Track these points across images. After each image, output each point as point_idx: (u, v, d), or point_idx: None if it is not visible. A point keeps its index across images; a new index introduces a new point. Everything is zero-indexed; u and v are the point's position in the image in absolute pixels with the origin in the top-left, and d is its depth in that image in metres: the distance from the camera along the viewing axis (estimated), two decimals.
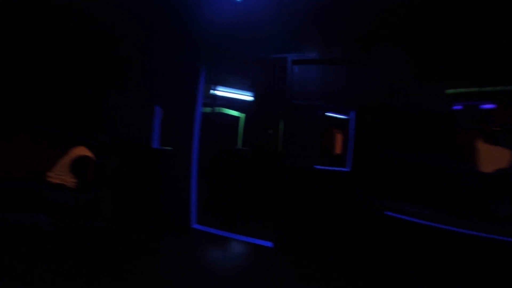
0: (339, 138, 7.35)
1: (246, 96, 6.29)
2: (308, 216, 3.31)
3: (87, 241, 2.84)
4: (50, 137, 3.32)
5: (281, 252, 3.06)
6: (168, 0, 2.69)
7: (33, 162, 3.00)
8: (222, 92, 5.86)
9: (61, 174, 2.87)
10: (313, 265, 2.76)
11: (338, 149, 7.24)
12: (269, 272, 2.61)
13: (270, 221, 3.58)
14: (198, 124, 3.74)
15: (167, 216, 3.71)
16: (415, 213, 3.21)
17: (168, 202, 3.77)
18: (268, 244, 3.23)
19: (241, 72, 5.02)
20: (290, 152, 3.34)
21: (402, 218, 3.14)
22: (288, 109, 3.40)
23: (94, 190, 3.07)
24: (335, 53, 3.33)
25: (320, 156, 3.69)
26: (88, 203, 2.98)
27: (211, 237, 3.39)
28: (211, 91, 5.82)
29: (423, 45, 3.12)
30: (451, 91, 4.01)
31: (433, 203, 3.43)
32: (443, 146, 3.68)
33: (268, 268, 2.69)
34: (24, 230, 2.76)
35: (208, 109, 6.46)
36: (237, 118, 6.63)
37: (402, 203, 3.39)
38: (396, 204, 3.32)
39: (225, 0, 2.53)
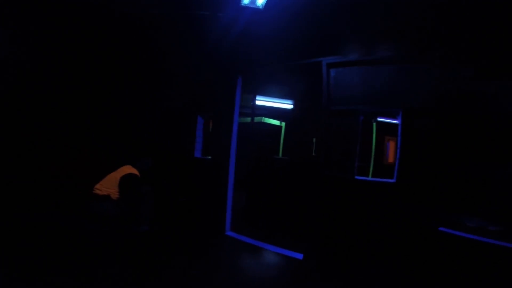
0: (390, 146, 6.67)
1: (286, 105, 6.24)
2: (345, 229, 3.03)
3: (129, 243, 3.07)
4: (104, 155, 3.79)
5: (310, 265, 2.86)
6: (201, 14, 2.83)
7: (86, 174, 3.43)
8: (262, 101, 5.91)
9: (108, 188, 3.09)
10: (341, 281, 2.50)
11: (389, 158, 6.58)
12: (294, 285, 2.47)
13: (302, 233, 3.41)
14: (235, 133, 3.81)
15: (204, 223, 3.82)
16: (479, 228, 2.68)
17: (206, 209, 3.89)
18: (299, 256, 3.07)
19: (278, 80, 5.00)
20: (329, 161, 3.13)
21: (460, 235, 2.64)
22: (326, 116, 3.21)
23: (136, 201, 3.28)
24: (376, 53, 3.06)
25: (364, 166, 3.39)
26: (132, 211, 3.21)
27: (242, 245, 3.36)
28: (252, 101, 5.93)
29: (487, 31, 2.65)
30: None
31: (503, 216, 2.84)
32: None
33: (293, 281, 2.55)
34: (71, 234, 3.14)
35: (248, 119, 6.59)
36: (278, 127, 6.59)
37: (463, 217, 2.88)
38: (456, 218, 2.83)
39: (252, 9, 2.56)
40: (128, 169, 3.26)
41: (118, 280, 2.31)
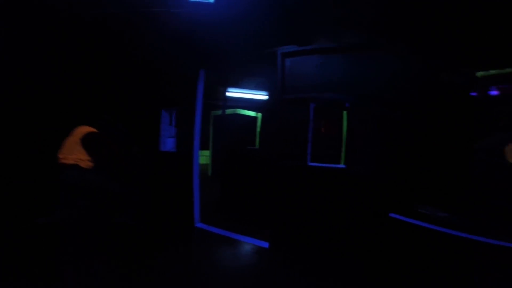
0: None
1: (261, 96, 6.27)
2: (304, 216, 3.12)
3: (97, 234, 3.07)
4: None
5: (275, 253, 2.96)
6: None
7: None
8: (238, 93, 5.94)
9: (72, 154, 2.73)
10: (304, 268, 2.61)
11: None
12: (259, 273, 2.56)
13: (267, 221, 3.51)
14: (199, 125, 3.84)
15: (174, 216, 3.88)
16: (429, 215, 2.79)
17: (174, 203, 3.94)
18: (265, 244, 3.17)
19: (252, 72, 5.01)
20: (284, 150, 3.20)
21: (409, 221, 2.75)
22: (279, 105, 3.26)
23: (121, 163, 3.00)
24: (330, 42, 3.09)
25: (336, 154, 3.44)
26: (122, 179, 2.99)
27: (211, 236, 3.43)
28: (226, 93, 5.94)
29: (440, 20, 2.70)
30: (481, 73, 3.44)
31: (451, 204, 2.96)
32: (469, 136, 3.18)
33: (258, 269, 2.64)
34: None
35: (220, 111, 6.62)
36: (254, 118, 6.64)
37: (414, 204, 2.99)
38: (407, 205, 2.94)
39: (204, 3, 2.55)
40: (85, 129, 2.87)
41: (80, 274, 2.35)
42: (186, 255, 2.87)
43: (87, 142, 2.76)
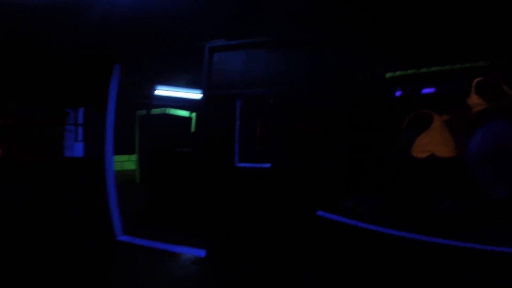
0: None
1: (194, 95, 5.90)
2: (235, 219, 2.93)
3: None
4: None
5: (212, 261, 2.77)
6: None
7: None
8: (166, 91, 5.43)
9: None
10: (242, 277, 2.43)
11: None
12: (197, 283, 2.28)
13: (202, 228, 3.24)
14: (111, 127, 3.29)
15: (92, 229, 3.26)
16: (351, 208, 2.89)
17: (90, 215, 3.32)
18: (201, 253, 2.87)
19: (183, 68, 4.62)
20: (212, 151, 2.95)
21: (336, 219, 2.80)
22: (205, 102, 3.02)
23: None
24: (257, 36, 2.98)
25: (247, 152, 3.35)
26: None
27: (138, 249, 3.00)
28: (154, 91, 5.39)
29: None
30: (389, 74, 3.74)
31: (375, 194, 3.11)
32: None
33: (196, 279, 2.36)
34: None
35: (158, 110, 6.04)
36: (187, 118, 6.22)
37: (340, 199, 3.05)
38: (333, 201, 2.98)
39: None
40: None
41: None
42: (105, 273, 2.40)
43: None
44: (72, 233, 3.24)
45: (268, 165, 2.86)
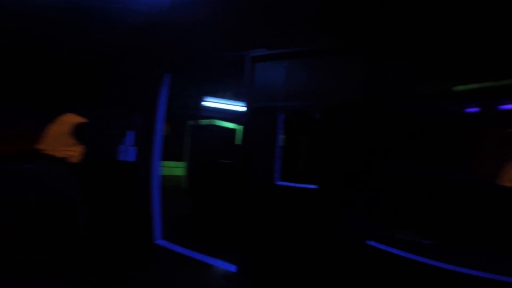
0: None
1: (240, 107, 6.02)
2: (273, 240, 2.77)
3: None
4: None
5: (242, 278, 2.63)
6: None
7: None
8: (213, 103, 5.66)
9: (59, 146, 2.62)
10: None
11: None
12: None
13: (236, 242, 3.16)
14: (159, 135, 3.50)
15: (132, 231, 3.46)
16: (410, 242, 2.49)
17: (132, 217, 3.53)
18: (232, 268, 2.78)
19: (220, 79, 4.76)
20: (252, 165, 2.88)
21: (388, 250, 2.43)
22: (247, 114, 2.98)
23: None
24: (303, 45, 2.87)
25: (288, 170, 3.18)
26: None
27: (172, 255, 3.05)
28: (203, 102, 5.67)
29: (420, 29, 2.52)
30: (461, 88, 3.25)
31: (436, 230, 2.66)
32: (454, 157, 2.92)
33: None
34: None
35: (203, 121, 6.33)
36: (232, 130, 6.36)
37: (394, 229, 2.67)
38: (386, 231, 2.62)
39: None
40: (75, 117, 2.79)
41: None
42: (135, 274, 2.49)
43: (78, 131, 2.72)
44: (114, 232, 3.48)
45: (313, 186, 2.64)
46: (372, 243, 2.65)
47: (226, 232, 3.86)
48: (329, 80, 2.73)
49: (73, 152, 2.69)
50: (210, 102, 5.61)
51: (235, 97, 5.59)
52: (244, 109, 3.04)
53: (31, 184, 2.74)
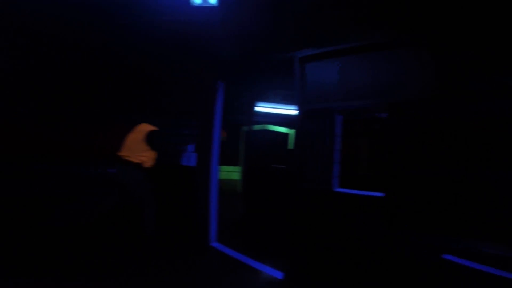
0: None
1: (292, 111, 5.93)
2: (326, 250, 2.62)
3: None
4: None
5: (289, 286, 2.52)
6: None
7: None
8: (264, 108, 5.71)
9: (135, 152, 2.90)
10: None
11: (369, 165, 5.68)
12: None
13: (286, 249, 3.08)
14: (216, 140, 3.67)
15: (189, 232, 3.70)
16: (494, 256, 2.07)
17: (190, 219, 3.78)
18: (279, 275, 2.73)
19: (269, 83, 4.75)
20: (305, 170, 2.79)
21: (471, 265, 2.06)
22: (300, 118, 2.90)
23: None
24: (355, 41, 2.67)
25: (346, 175, 2.94)
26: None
27: (222, 257, 3.15)
28: (255, 108, 5.78)
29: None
30: None
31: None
32: None
33: None
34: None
35: (255, 126, 6.43)
36: (284, 134, 6.29)
37: (474, 241, 2.28)
38: (464, 243, 2.26)
39: (209, 8, 2.42)
40: (148, 126, 3.09)
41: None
42: (189, 274, 2.64)
43: (150, 137, 3.00)
44: (175, 232, 3.74)
45: (378, 193, 2.40)
46: (450, 257, 2.26)
47: (277, 238, 3.83)
48: (393, 75, 2.46)
49: (146, 157, 2.98)
50: (263, 107, 5.68)
51: (287, 100, 5.54)
52: (296, 112, 2.98)
53: (112, 186, 3.11)
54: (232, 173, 7.90)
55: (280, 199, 4.25)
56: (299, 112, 2.89)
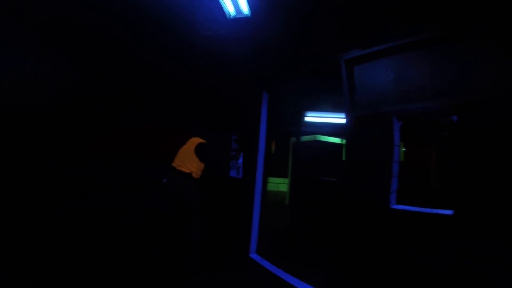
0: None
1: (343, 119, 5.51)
2: (378, 274, 2.26)
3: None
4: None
5: None
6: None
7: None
8: (314, 117, 5.45)
9: (186, 163, 3.10)
10: None
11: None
12: None
13: (329, 269, 2.78)
14: (262, 151, 3.62)
15: (230, 241, 3.68)
16: None
17: (233, 229, 3.77)
18: None
19: (327, 92, 4.51)
20: (358, 183, 2.51)
21: None
22: (350, 125, 2.63)
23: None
24: (410, 35, 2.32)
25: (412, 189, 2.49)
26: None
27: (260, 270, 3.00)
28: (304, 118, 5.56)
29: None
30: None
31: None
32: None
33: None
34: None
35: (305, 137, 6.19)
36: (337, 145, 5.87)
37: None
38: None
39: (243, 19, 2.43)
40: (198, 139, 3.29)
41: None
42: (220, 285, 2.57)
43: (200, 150, 3.17)
44: (218, 241, 3.77)
45: (446, 211, 1.97)
46: None
47: (321, 255, 3.51)
48: (462, 70, 2.04)
49: (196, 168, 3.12)
50: (313, 117, 5.44)
51: (335, 107, 5.19)
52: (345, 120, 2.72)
53: (165, 195, 3.30)
54: (280, 184, 7.72)
55: (328, 214, 3.91)
56: (349, 119, 2.62)
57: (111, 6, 2.59)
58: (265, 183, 4.14)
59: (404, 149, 4.99)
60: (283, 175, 7.53)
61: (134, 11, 2.61)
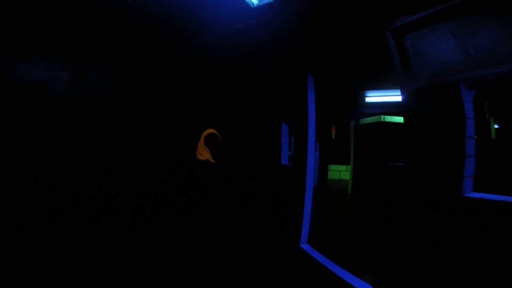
0: None
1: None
2: (444, 275, 1.96)
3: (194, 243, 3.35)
4: None
5: None
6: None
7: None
8: (375, 97, 4.86)
9: (202, 151, 3.54)
10: None
11: None
12: None
13: (385, 264, 2.50)
14: (312, 137, 3.50)
15: (281, 230, 3.72)
16: None
17: (284, 218, 3.79)
18: None
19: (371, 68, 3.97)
20: (421, 166, 2.22)
21: None
22: (409, 100, 2.29)
23: (223, 160, 3.61)
24: None
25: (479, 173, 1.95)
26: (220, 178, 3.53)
27: (310, 261, 2.93)
28: (365, 99, 5.03)
29: None
30: None
31: None
32: None
33: None
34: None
35: (368, 119, 5.61)
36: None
37: None
38: None
39: (269, 5, 2.33)
40: (209, 130, 3.68)
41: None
42: (273, 276, 2.60)
43: (206, 140, 3.56)
44: (266, 230, 3.81)
45: None
46: None
47: (379, 248, 3.25)
48: None
49: (209, 155, 3.50)
50: (373, 97, 4.89)
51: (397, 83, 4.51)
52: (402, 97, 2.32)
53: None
54: (342, 172, 7.28)
55: (393, 203, 3.51)
56: (405, 94, 2.28)
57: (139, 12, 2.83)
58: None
59: (497, 126, 4.02)
60: (346, 162, 7.07)
61: (164, 19, 2.83)
